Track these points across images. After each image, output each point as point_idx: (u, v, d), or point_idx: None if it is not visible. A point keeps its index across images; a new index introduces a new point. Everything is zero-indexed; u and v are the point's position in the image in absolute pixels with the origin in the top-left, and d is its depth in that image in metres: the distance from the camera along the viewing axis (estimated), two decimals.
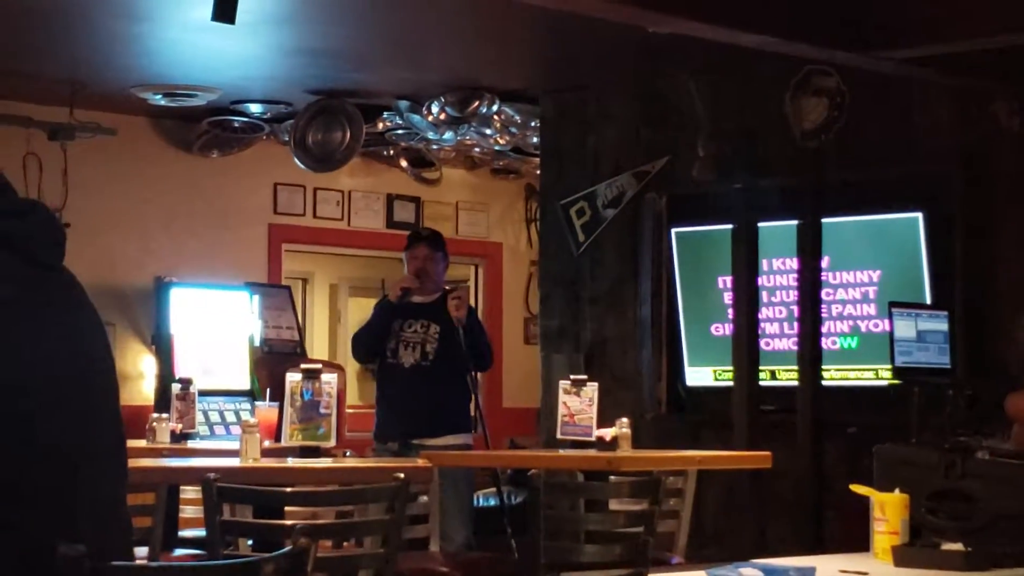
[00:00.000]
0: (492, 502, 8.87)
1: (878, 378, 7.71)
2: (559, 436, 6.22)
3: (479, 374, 8.18)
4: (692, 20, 6.29)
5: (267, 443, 5.87)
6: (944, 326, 7.15)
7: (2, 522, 1.92)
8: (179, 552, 6.11)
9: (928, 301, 7.51)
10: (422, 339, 7.45)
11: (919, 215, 7.66)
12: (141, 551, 5.39)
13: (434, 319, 7.50)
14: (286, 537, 4.38)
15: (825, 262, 7.72)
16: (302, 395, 5.50)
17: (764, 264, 8.00)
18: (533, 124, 9.35)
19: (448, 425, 7.48)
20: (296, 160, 9.62)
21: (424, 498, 5.96)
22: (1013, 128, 7.42)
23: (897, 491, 4.54)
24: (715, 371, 8.27)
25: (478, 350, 7.59)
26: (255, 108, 9.52)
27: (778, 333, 8.10)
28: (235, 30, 6.35)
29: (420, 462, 5.52)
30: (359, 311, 12.92)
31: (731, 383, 7.77)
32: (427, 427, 7.36)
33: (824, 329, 7.73)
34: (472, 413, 7.77)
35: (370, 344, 7.63)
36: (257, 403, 9.10)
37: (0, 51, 8.07)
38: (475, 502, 8.89)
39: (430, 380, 7.43)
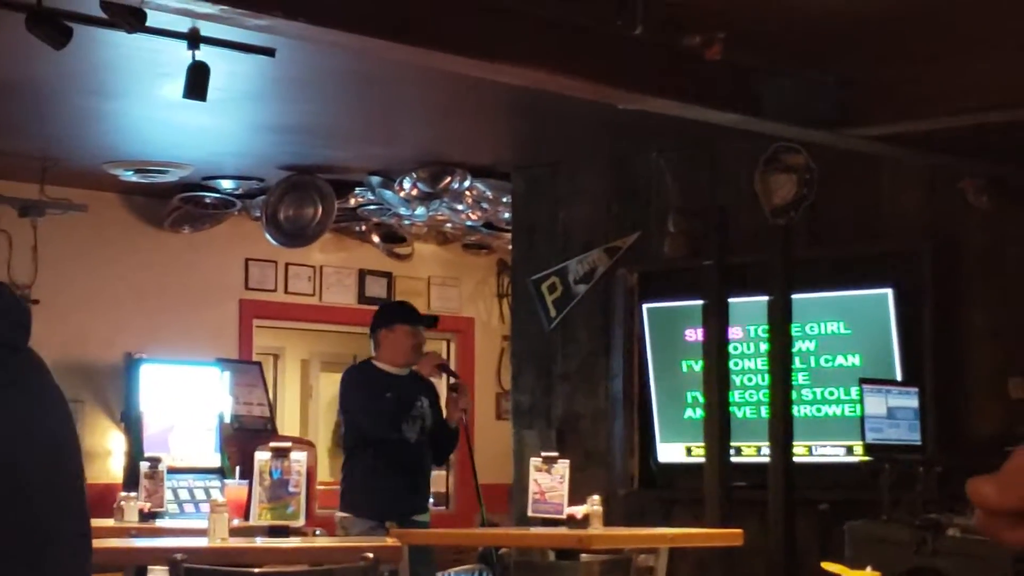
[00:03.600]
0: None
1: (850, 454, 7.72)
2: (530, 514, 6.19)
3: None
4: (661, 98, 6.33)
5: (236, 521, 5.82)
6: (914, 402, 7.16)
7: None
8: None
9: (898, 377, 7.53)
10: (421, 414, 7.24)
11: (888, 291, 7.69)
12: None
13: (423, 393, 7.30)
14: None
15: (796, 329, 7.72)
16: (271, 474, 5.46)
17: (740, 333, 8.01)
18: (504, 200, 9.38)
19: (428, 500, 7.46)
20: (268, 236, 9.62)
21: None
22: (981, 205, 7.47)
23: (869, 569, 4.54)
24: (687, 447, 8.26)
25: (450, 444, 7.46)
26: (227, 184, 9.53)
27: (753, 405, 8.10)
28: (207, 107, 6.38)
29: (389, 540, 5.49)
30: (330, 386, 12.87)
31: (703, 459, 7.76)
32: (423, 502, 7.29)
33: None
34: (445, 490, 7.72)
35: (390, 429, 7.17)
36: (227, 481, 9.06)
37: None
38: None
39: (426, 455, 7.32)
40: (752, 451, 7.93)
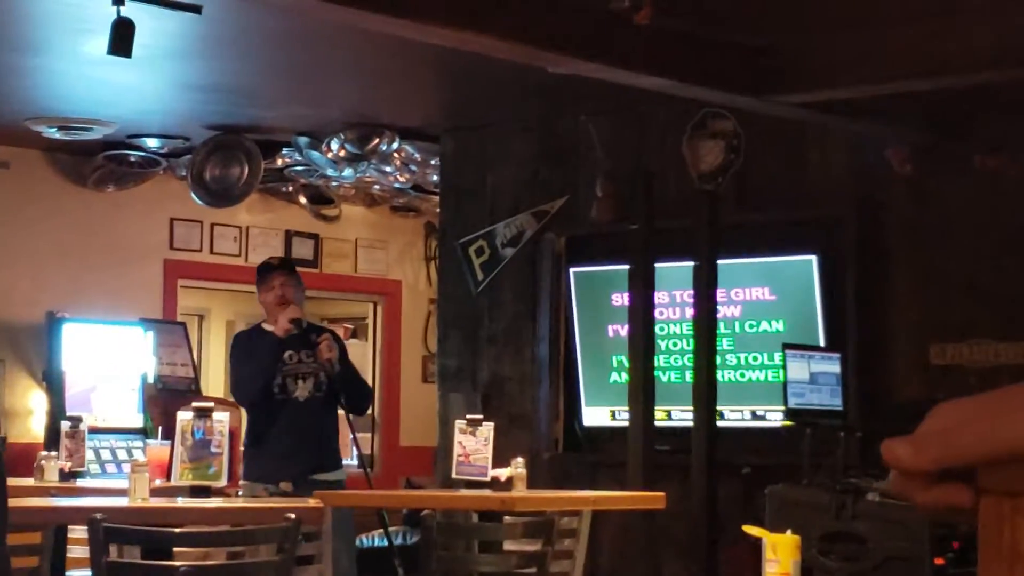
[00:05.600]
0: (380, 542, 8.79)
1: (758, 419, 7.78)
2: (454, 476, 6.19)
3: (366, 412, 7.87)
4: (590, 61, 6.32)
5: (158, 482, 5.79)
6: (837, 368, 7.22)
7: None
8: None
9: (821, 343, 7.59)
10: (314, 369, 7.12)
11: (813, 258, 7.75)
12: None
13: (313, 347, 7.09)
14: None
15: (721, 294, 7.75)
16: (193, 434, 5.43)
17: (665, 297, 8.04)
18: (433, 162, 9.35)
19: (337, 459, 7.23)
20: (193, 195, 9.54)
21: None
22: (906, 173, 7.53)
23: (789, 532, 4.57)
24: (612, 411, 8.29)
25: (354, 390, 7.23)
26: (152, 143, 9.43)
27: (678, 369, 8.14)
28: (132, 64, 6.30)
29: (312, 502, 5.47)
30: None
31: (627, 423, 7.79)
32: (324, 461, 7.07)
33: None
34: (352, 450, 7.62)
35: (265, 384, 7.06)
36: (149, 441, 9.00)
37: None
38: (365, 542, 8.78)
39: (323, 412, 7.13)
40: (665, 416, 7.97)
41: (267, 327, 7.24)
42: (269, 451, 7.06)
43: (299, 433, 7.04)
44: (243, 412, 10.01)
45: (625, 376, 7.99)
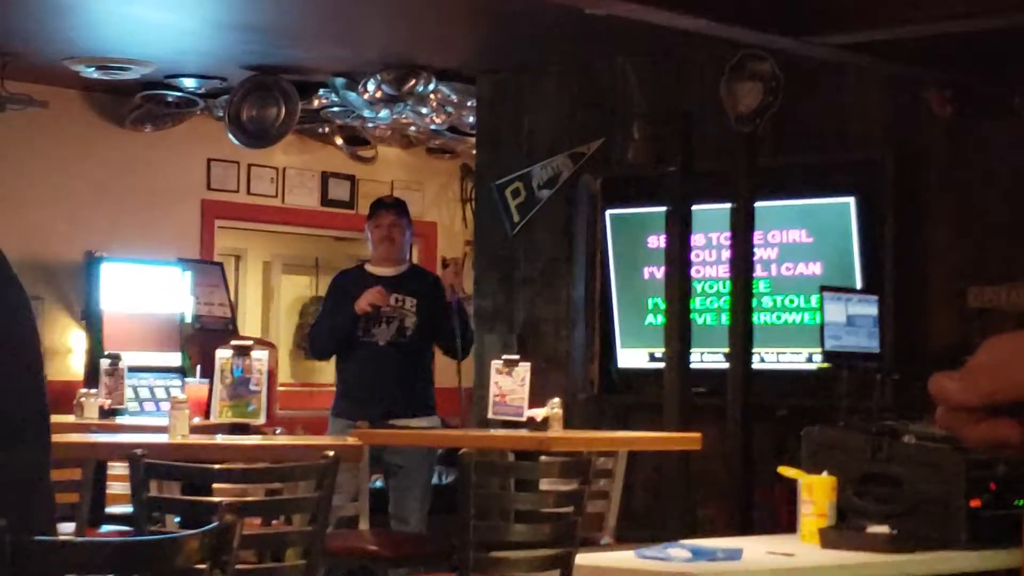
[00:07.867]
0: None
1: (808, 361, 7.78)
2: (490, 416, 6.22)
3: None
4: (629, 2, 6.30)
5: (196, 420, 5.84)
6: (874, 310, 7.20)
7: None
8: (106, 528, 6.07)
9: (858, 285, 7.57)
10: (399, 314, 7.11)
11: (851, 200, 7.72)
12: (68, 527, 5.35)
13: (408, 291, 7.13)
14: (213, 514, 4.36)
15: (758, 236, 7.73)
16: (232, 372, 5.47)
17: (702, 240, 8.03)
18: (470, 104, 9.33)
19: (423, 405, 7.17)
20: (230, 136, 9.56)
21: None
22: (945, 115, 7.48)
23: (824, 474, 4.59)
24: (648, 353, 8.30)
25: (448, 336, 7.18)
26: (189, 83, 9.45)
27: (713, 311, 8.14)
28: (170, 3, 6.32)
29: (350, 440, 5.51)
30: (292, 288, 12.87)
31: (663, 365, 7.80)
32: (403, 407, 7.03)
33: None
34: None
35: (334, 349, 7.18)
36: (187, 380, 9.07)
37: None
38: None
39: (407, 357, 7.08)
40: (703, 357, 7.98)
41: (369, 268, 7.30)
42: (349, 390, 7.12)
43: (376, 376, 7.04)
44: (279, 351, 10.07)
45: (661, 318, 8.00)
